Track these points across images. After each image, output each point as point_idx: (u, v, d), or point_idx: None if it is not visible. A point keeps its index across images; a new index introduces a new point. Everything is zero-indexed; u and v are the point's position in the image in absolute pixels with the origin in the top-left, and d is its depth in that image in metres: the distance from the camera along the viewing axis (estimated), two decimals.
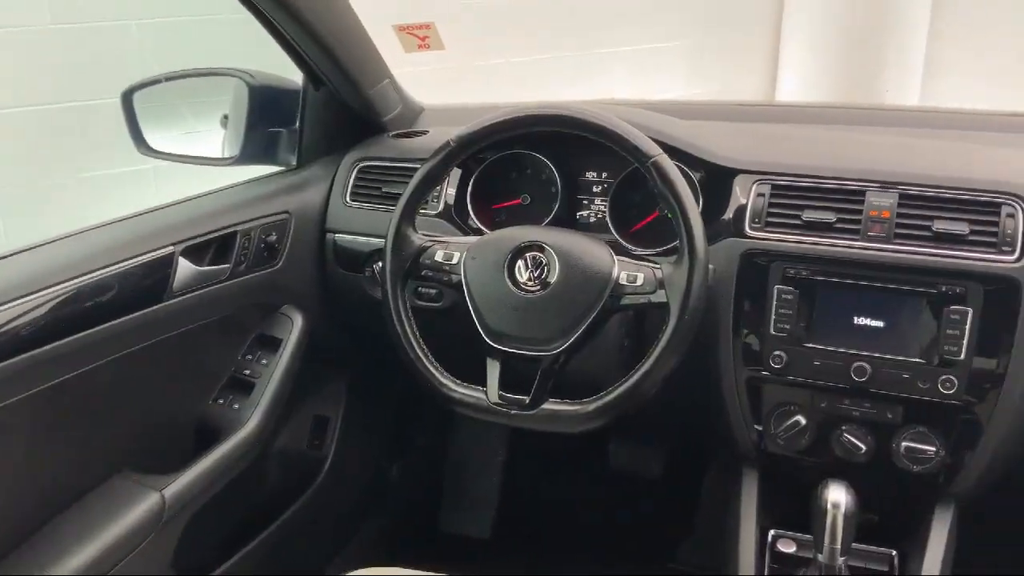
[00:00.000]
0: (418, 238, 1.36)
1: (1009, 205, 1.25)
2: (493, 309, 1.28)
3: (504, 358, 1.27)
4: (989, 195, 1.27)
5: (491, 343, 1.28)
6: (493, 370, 1.28)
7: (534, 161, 1.60)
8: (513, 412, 1.26)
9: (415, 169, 1.37)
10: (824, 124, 1.73)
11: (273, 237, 1.58)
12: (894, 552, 1.37)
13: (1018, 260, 1.22)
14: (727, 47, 4.12)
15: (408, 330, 1.33)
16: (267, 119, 1.73)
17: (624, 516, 2.14)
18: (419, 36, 1.72)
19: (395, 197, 1.44)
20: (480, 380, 1.29)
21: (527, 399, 1.25)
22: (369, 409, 2.01)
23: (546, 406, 1.25)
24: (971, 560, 1.36)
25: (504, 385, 1.27)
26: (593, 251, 1.27)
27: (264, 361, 1.59)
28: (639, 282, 1.24)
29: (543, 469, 2.22)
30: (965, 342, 1.24)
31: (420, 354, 1.32)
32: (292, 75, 1.69)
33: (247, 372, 1.58)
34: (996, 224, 1.25)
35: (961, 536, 1.34)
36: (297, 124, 1.73)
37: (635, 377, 1.22)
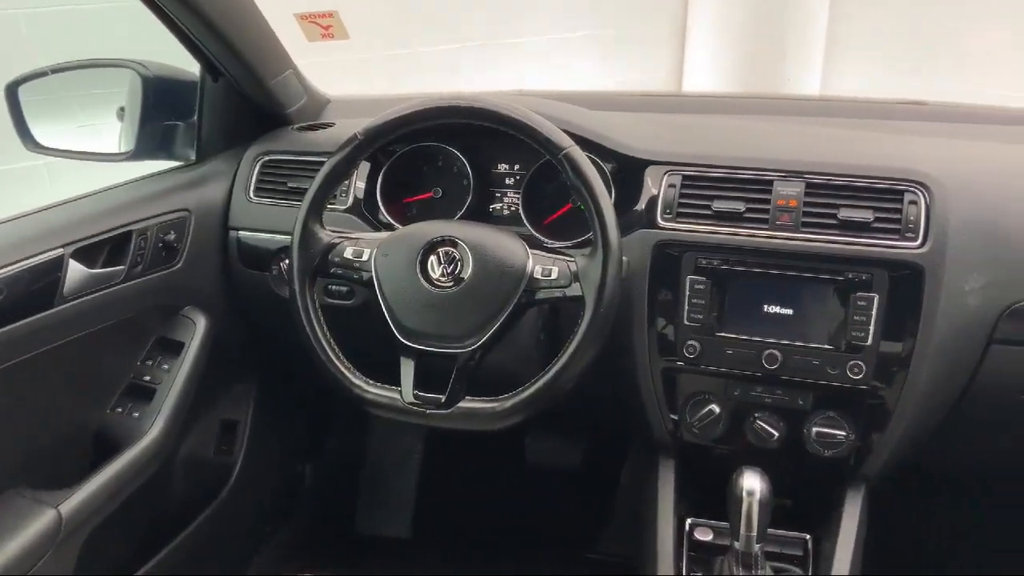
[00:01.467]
0: (326, 234, 1.31)
1: (912, 192, 1.28)
2: (406, 306, 1.25)
3: (418, 356, 1.24)
4: (892, 182, 1.30)
5: (404, 341, 1.24)
6: (407, 369, 1.25)
7: (445, 153, 1.57)
8: (429, 412, 1.23)
9: (321, 163, 1.32)
10: (732, 114, 1.75)
11: (172, 236, 1.50)
12: (808, 536, 1.39)
13: (921, 246, 1.25)
14: (635, 38, 4.15)
15: (317, 330, 1.28)
16: (163, 112, 1.65)
17: (543, 508, 2.14)
18: (322, 25, 1.67)
19: (301, 192, 1.40)
20: (396, 380, 1.25)
21: (443, 398, 1.22)
22: (280, 411, 1.95)
23: (462, 404, 1.22)
24: (882, 541, 1.40)
25: (419, 384, 1.24)
26: (507, 245, 1.25)
27: (166, 366, 1.52)
28: (554, 276, 1.22)
29: (461, 465, 2.20)
30: (872, 328, 1.27)
31: (331, 354, 1.28)
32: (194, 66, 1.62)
33: (147, 378, 1.51)
34: (899, 211, 1.28)
35: (872, 518, 1.38)
36: (195, 117, 1.65)
37: (552, 372, 1.20)
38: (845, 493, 1.37)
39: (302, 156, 1.61)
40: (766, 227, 1.32)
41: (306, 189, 1.32)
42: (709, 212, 1.34)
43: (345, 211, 1.55)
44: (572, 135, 1.25)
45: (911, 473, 1.40)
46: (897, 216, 1.28)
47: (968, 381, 1.33)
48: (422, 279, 1.24)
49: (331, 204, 1.47)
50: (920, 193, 1.28)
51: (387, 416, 1.27)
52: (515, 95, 1.65)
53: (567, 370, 1.20)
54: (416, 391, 1.24)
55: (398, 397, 1.24)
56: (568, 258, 1.24)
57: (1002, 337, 1.29)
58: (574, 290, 1.21)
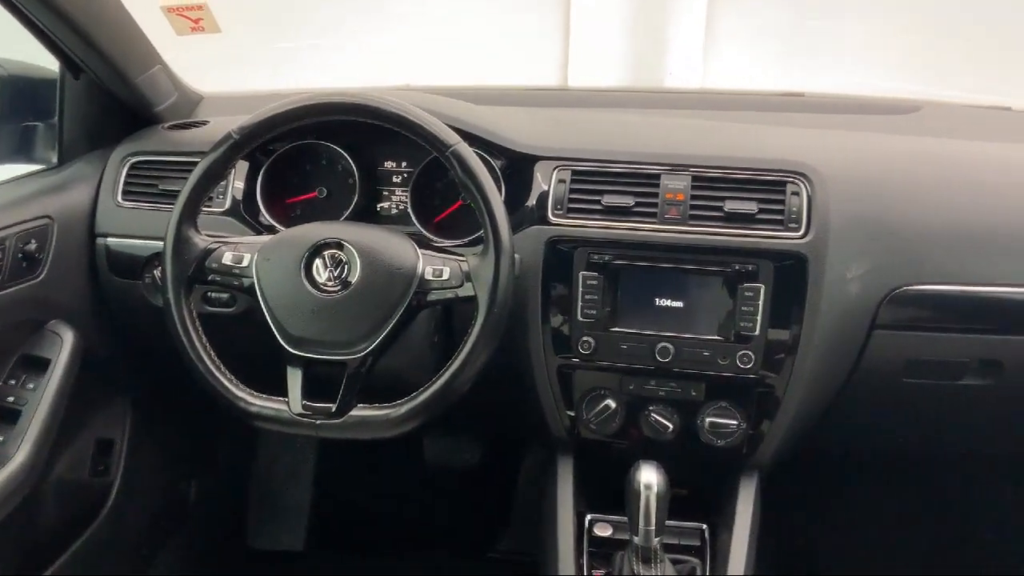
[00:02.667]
0: (202, 239, 1.24)
1: (793, 183, 1.31)
2: (291, 313, 1.19)
3: (306, 365, 1.19)
4: (774, 174, 1.32)
5: (291, 349, 1.19)
6: (294, 378, 1.19)
7: (329, 151, 1.51)
8: (319, 422, 1.18)
9: (194, 163, 1.25)
10: (618, 108, 1.76)
11: (32, 245, 1.40)
12: (704, 526, 1.41)
13: (804, 236, 1.28)
14: (519, 32, 4.15)
15: (195, 341, 1.21)
16: (21, 112, 1.55)
17: (443, 510, 2.11)
18: (191, 18, 1.58)
19: (173, 195, 1.32)
20: (283, 390, 1.20)
21: (333, 407, 1.18)
22: (160, 427, 1.85)
23: (355, 413, 1.18)
24: (776, 527, 1.43)
25: (308, 394, 1.19)
26: (396, 246, 1.21)
27: (31, 385, 1.41)
28: (445, 276, 1.19)
29: (357, 472, 2.15)
30: (759, 318, 1.29)
31: (210, 366, 1.21)
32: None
33: (11, 399, 1.40)
34: (783, 202, 1.30)
35: (767, 503, 1.40)
36: (56, 118, 1.54)
37: (446, 375, 1.17)
38: (739, 481, 1.40)
39: (173, 156, 1.52)
40: (655, 221, 1.32)
41: (179, 191, 1.24)
42: (599, 207, 1.34)
43: (223, 214, 1.48)
44: (459, 131, 1.23)
45: (803, 458, 1.43)
46: (780, 207, 1.30)
47: (853, 366, 1.36)
48: (307, 284, 1.19)
49: (207, 206, 1.39)
50: (802, 184, 1.31)
51: (275, 429, 1.21)
52: (401, 90, 1.61)
53: (462, 372, 1.17)
54: (305, 401, 1.18)
55: (285, 409, 1.19)
56: (459, 257, 1.21)
57: (884, 322, 1.33)
58: (466, 290, 1.19)
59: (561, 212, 1.35)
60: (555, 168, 1.37)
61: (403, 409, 1.17)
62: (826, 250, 1.28)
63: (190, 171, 1.24)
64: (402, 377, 1.27)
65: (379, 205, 1.53)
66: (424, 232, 1.45)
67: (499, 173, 1.40)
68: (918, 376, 1.39)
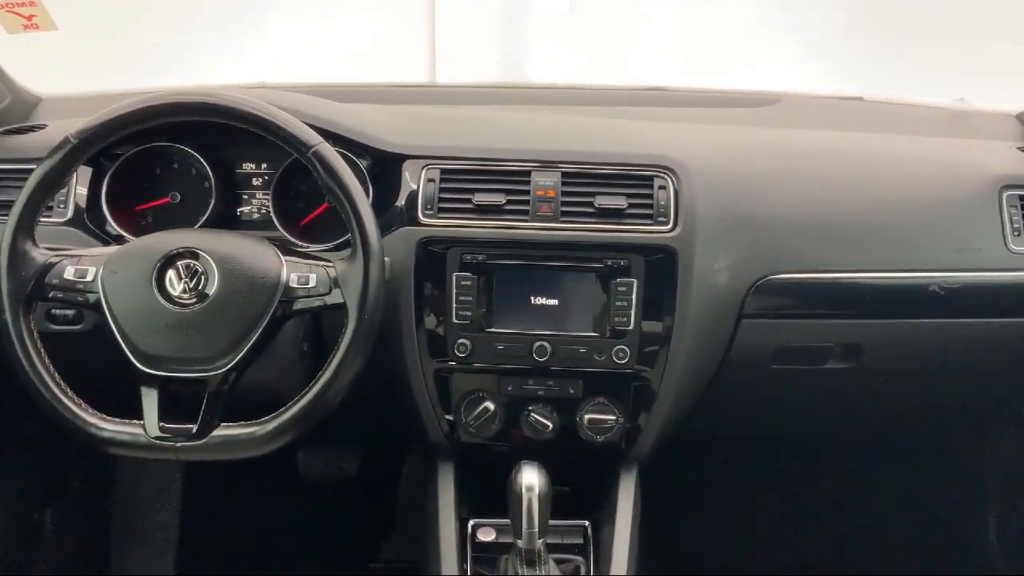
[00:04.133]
0: (40, 253, 1.14)
1: (661, 177, 1.32)
2: (143, 330, 1.11)
3: (162, 384, 1.11)
4: (642, 169, 1.33)
5: (144, 369, 1.11)
6: (150, 400, 1.11)
7: (181, 154, 1.42)
8: (180, 445, 1.11)
9: (30, 171, 1.14)
10: (488, 105, 1.73)
11: None
12: (587, 523, 1.41)
13: (672, 230, 1.29)
14: (385, 26, 4.07)
15: (36, 363, 1.11)
16: None
17: (322, 523, 2.03)
18: (22, 14, 1.46)
19: (7, 206, 1.21)
20: (139, 412, 1.11)
21: (194, 428, 1.10)
22: (5, 455, 1.70)
23: (218, 433, 1.11)
24: (657, 517, 1.44)
25: (166, 415, 1.11)
26: (257, 253, 1.15)
27: None
28: (312, 283, 1.14)
29: (227, 490, 2.04)
30: (633, 312, 1.29)
31: (55, 390, 1.11)
32: None
33: None
34: (651, 196, 1.31)
35: (646, 495, 1.41)
36: None
37: (316, 388, 1.12)
38: (619, 475, 1.40)
39: (7, 164, 1.40)
40: (527, 218, 1.31)
41: (12, 201, 1.14)
42: (471, 206, 1.31)
43: (65, 224, 1.37)
44: (321, 131, 1.18)
45: (679, 448, 1.45)
46: (649, 201, 1.31)
47: (724, 355, 1.39)
48: (160, 297, 1.11)
49: (46, 216, 1.29)
50: (668, 178, 1.32)
51: (130, 455, 1.13)
52: (256, 89, 1.54)
53: (333, 383, 1.12)
54: (162, 423, 1.11)
55: (141, 432, 1.11)
56: (326, 263, 1.16)
57: (751, 311, 1.36)
58: (335, 297, 1.14)
59: (431, 212, 1.31)
60: (424, 167, 1.34)
61: (271, 426, 1.11)
62: (694, 243, 1.30)
63: (25, 179, 1.14)
64: (271, 391, 1.21)
65: (239, 210, 1.45)
66: (288, 237, 1.38)
67: (365, 173, 1.35)
68: (785, 362, 1.43)
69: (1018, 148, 1.56)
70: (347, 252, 1.15)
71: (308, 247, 1.34)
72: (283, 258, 1.15)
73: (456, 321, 1.30)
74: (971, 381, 1.56)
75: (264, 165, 1.45)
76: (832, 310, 1.40)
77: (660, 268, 1.30)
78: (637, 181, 1.32)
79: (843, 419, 1.66)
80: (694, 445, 1.62)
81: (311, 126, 1.16)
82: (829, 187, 1.42)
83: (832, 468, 2.00)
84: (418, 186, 1.32)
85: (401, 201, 1.33)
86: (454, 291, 1.30)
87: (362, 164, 1.35)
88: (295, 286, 1.13)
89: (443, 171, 1.33)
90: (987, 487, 1.92)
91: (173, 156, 1.42)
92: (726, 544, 2.01)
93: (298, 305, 1.14)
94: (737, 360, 1.40)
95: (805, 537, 2.02)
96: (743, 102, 1.74)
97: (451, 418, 1.36)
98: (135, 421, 1.11)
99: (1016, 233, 1.40)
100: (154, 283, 1.11)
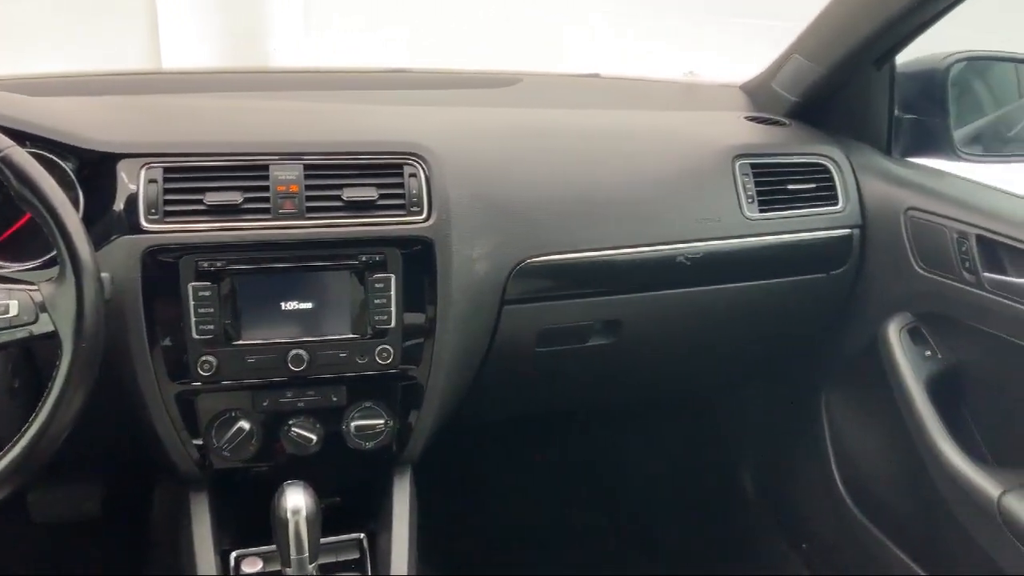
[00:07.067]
0: None
1: (410, 165, 1.25)
2: None
3: None
4: (389, 157, 1.26)
5: None
6: None
7: None
8: None
9: None
10: (217, 92, 1.59)
11: None
12: (362, 535, 1.33)
13: (427, 219, 1.23)
14: (101, 8, 3.69)
15: None
16: None
17: (61, 571, 1.80)
18: None
19: None
20: None
21: None
22: None
23: None
24: (437, 516, 1.40)
25: None
26: None
27: None
28: (13, 312, 0.97)
29: None
30: (393, 309, 1.23)
31: None
32: None
33: None
34: (402, 186, 1.24)
35: (423, 496, 1.36)
36: None
37: (33, 430, 0.96)
38: (392, 479, 1.34)
39: None
40: (269, 217, 1.19)
41: None
42: (203, 207, 1.17)
43: None
44: (10, 131, 1.01)
45: (451, 442, 1.41)
46: (400, 191, 1.24)
47: (489, 344, 1.36)
48: None
49: None
50: (419, 166, 1.26)
51: None
52: None
53: (53, 422, 0.97)
54: None
55: None
56: (30, 286, 0.99)
57: (512, 297, 1.35)
58: (43, 325, 0.97)
59: (156, 217, 1.16)
60: (143, 166, 1.18)
61: None
62: (450, 231, 1.25)
63: None
64: None
65: None
66: None
67: (73, 178, 1.17)
68: (549, 344, 1.43)
69: (746, 118, 1.65)
70: (55, 271, 0.99)
71: (8, 267, 1.15)
72: None
73: (197, 337, 1.17)
74: (721, 345, 1.65)
75: None
76: (590, 288, 1.41)
77: (418, 261, 1.23)
78: (386, 170, 1.25)
79: (609, 392, 1.70)
80: (466, 435, 1.59)
81: None
82: (576, 166, 1.42)
83: (602, 438, 2.06)
84: (138, 188, 1.17)
85: (119, 207, 1.17)
86: (192, 304, 1.16)
87: (67, 167, 1.17)
88: None
89: (167, 169, 1.18)
90: (743, 443, 2.06)
91: None
92: (509, 524, 2.01)
93: None
94: (503, 347, 1.38)
95: (584, 506, 2.07)
96: (484, 83, 1.71)
97: (201, 443, 1.22)
98: None
99: (750, 200, 1.48)
100: None
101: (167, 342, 1.17)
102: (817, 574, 1.82)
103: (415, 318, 1.24)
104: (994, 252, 1.33)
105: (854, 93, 1.61)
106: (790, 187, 1.52)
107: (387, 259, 1.22)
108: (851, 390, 1.70)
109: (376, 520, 1.34)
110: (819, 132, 1.64)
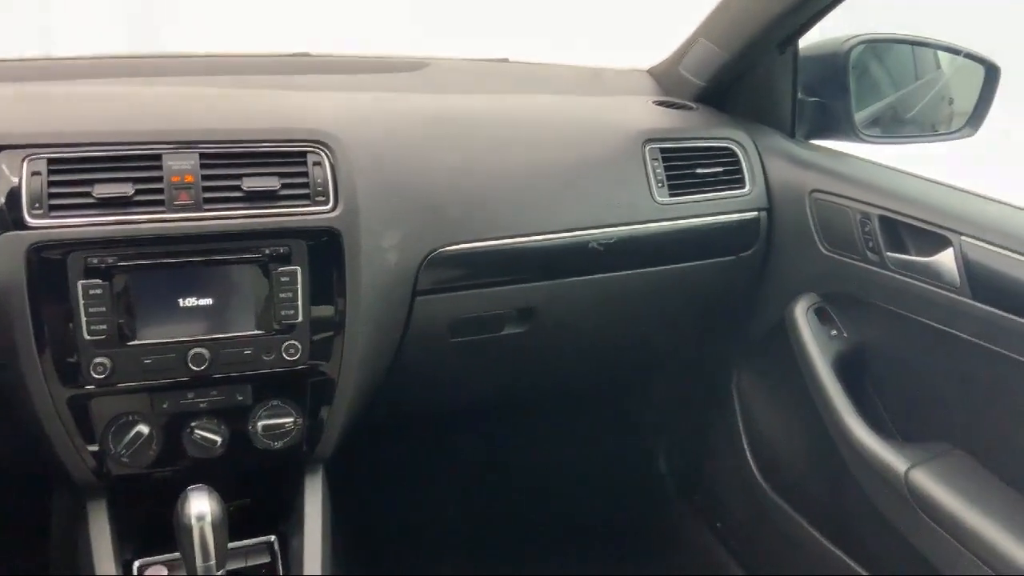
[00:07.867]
0: None
1: (314, 153, 1.21)
2: None
3: None
4: (292, 144, 1.21)
5: None
6: None
7: None
8: None
9: None
10: (106, 78, 1.50)
11: None
12: (273, 537, 1.29)
13: (333, 209, 1.19)
14: None
15: None
16: None
17: None
18: None
19: None
20: None
21: None
22: None
23: None
24: (352, 513, 1.36)
25: None
26: None
27: None
28: None
29: None
30: (300, 303, 1.18)
31: None
32: None
33: None
34: (306, 175, 1.19)
35: (336, 495, 1.33)
36: None
37: None
38: (304, 479, 1.30)
39: None
40: (163, 209, 1.13)
41: None
42: (91, 200, 1.10)
43: None
44: None
45: (363, 437, 1.38)
46: (304, 180, 1.19)
47: (401, 337, 1.33)
48: None
49: None
50: (323, 153, 1.21)
51: None
52: None
53: None
54: None
55: None
56: None
57: (424, 288, 1.32)
58: None
59: (41, 212, 1.09)
60: (24, 158, 1.10)
61: None
62: (358, 222, 1.21)
63: None
64: None
65: None
66: None
67: None
68: (463, 334, 1.41)
69: (654, 102, 1.65)
70: None
71: None
72: None
73: (89, 338, 1.10)
74: (634, 330, 1.65)
75: None
76: (503, 276, 1.39)
77: (325, 252, 1.19)
78: (289, 159, 1.20)
79: (525, 380, 1.69)
80: (381, 430, 1.56)
81: None
82: (485, 154, 1.40)
83: (520, 430, 2.05)
84: (20, 181, 1.09)
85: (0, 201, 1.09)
86: (81, 303, 1.09)
87: None
88: None
89: (51, 161, 1.11)
90: (659, 428, 2.07)
91: None
92: (430, 520, 1.99)
93: None
94: (415, 339, 1.35)
95: (505, 499, 2.06)
96: (390, 68, 1.67)
97: (97, 448, 1.16)
98: None
99: (660, 184, 1.48)
100: None
101: (56, 344, 1.10)
102: (734, 553, 1.85)
103: (324, 312, 1.20)
104: (896, 232, 1.36)
105: (759, 77, 1.63)
106: (699, 171, 1.52)
107: (292, 251, 1.17)
108: (761, 372, 1.73)
109: (287, 522, 1.30)
110: (726, 116, 1.65)
